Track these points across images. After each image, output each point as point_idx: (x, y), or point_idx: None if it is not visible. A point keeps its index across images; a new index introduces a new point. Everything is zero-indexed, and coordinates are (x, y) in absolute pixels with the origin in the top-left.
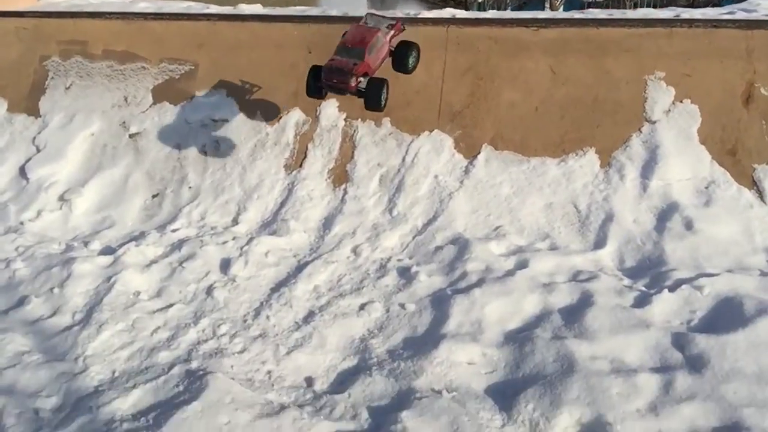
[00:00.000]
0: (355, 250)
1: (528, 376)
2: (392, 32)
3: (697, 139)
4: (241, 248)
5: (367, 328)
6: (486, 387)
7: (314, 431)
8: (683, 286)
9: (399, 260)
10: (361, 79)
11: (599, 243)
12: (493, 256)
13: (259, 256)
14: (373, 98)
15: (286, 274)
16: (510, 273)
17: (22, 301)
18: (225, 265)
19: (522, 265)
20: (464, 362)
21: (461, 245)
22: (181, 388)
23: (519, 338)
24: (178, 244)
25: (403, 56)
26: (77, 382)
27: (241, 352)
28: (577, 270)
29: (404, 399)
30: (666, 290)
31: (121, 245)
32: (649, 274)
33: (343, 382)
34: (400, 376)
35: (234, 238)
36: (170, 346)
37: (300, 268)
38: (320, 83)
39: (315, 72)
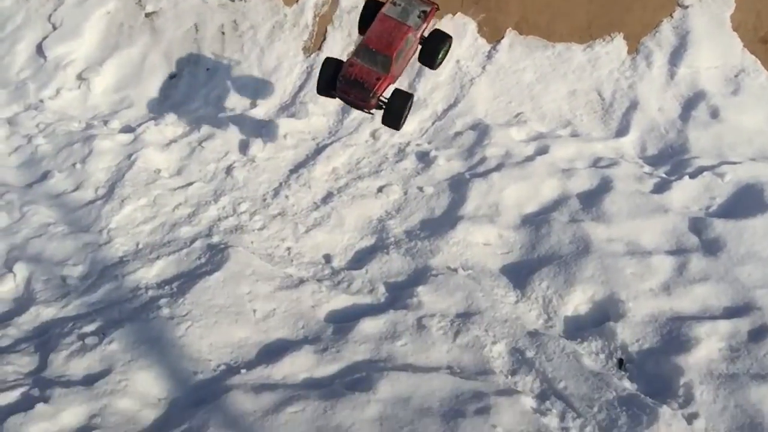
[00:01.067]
0: (374, 134)
1: (543, 257)
2: (424, 26)
3: (729, 26)
4: (260, 130)
5: (384, 210)
6: (501, 266)
7: (332, 303)
8: (704, 173)
9: (418, 145)
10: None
11: (622, 131)
12: (513, 142)
13: (277, 138)
14: (394, 116)
15: (305, 156)
16: (529, 158)
17: (45, 176)
18: (244, 145)
19: (542, 151)
20: (480, 243)
21: (481, 131)
22: (203, 260)
23: (536, 221)
24: (197, 125)
25: (433, 51)
26: (102, 253)
27: (261, 229)
28: (597, 156)
29: (420, 276)
30: (687, 177)
31: (140, 124)
32: (671, 161)
33: (360, 259)
34: (416, 255)
35: (252, 120)
36: (191, 221)
37: (318, 150)
38: (334, 91)
39: (330, 69)
